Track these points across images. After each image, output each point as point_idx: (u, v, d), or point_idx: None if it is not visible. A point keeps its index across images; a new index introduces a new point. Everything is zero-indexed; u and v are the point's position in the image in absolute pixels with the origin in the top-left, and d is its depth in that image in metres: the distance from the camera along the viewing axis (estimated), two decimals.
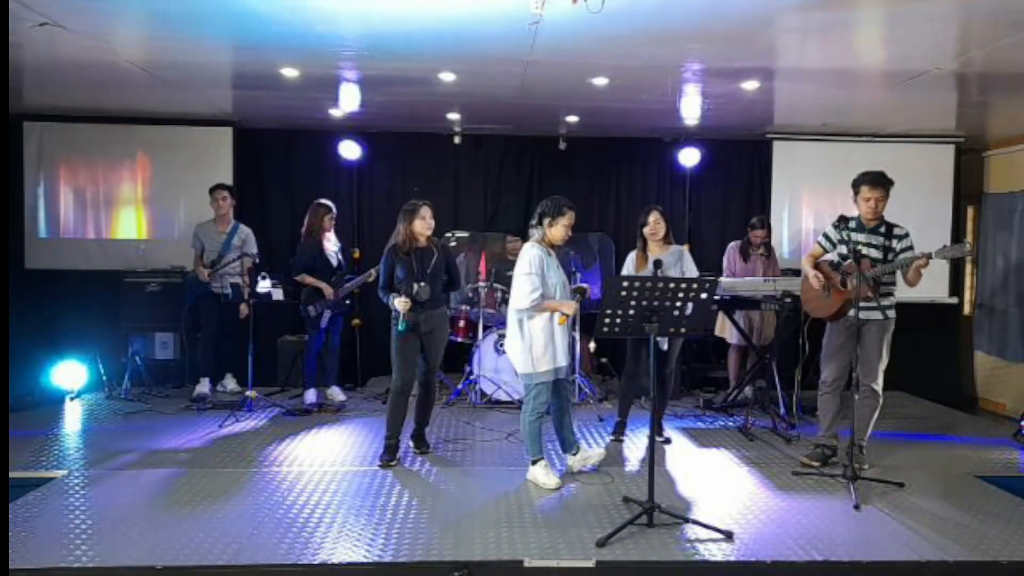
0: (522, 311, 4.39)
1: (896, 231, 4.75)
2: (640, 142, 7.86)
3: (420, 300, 4.87)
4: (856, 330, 4.60)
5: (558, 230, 4.44)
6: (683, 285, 3.94)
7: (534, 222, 4.51)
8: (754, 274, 6.65)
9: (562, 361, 4.45)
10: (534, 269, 4.34)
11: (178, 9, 4.10)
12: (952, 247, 4.43)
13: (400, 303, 4.80)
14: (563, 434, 4.76)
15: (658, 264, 5.20)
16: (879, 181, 4.72)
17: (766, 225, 6.76)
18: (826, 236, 4.95)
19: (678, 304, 3.92)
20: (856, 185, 4.80)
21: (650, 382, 4.15)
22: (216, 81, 5.81)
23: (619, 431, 5.57)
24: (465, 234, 7.60)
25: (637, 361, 5.39)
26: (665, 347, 5.34)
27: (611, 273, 7.15)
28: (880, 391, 4.84)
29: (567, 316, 4.36)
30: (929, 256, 4.46)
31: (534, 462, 4.55)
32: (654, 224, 5.35)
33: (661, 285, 3.89)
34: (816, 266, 4.97)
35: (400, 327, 4.82)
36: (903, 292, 4.81)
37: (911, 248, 4.68)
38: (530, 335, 4.40)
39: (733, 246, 6.92)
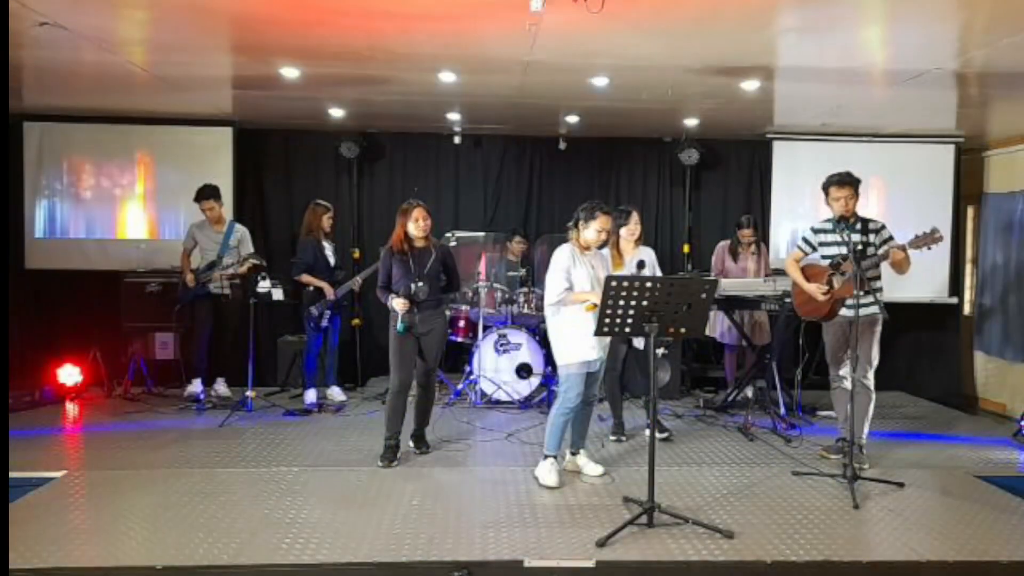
0: (550, 306, 4.51)
1: (871, 225, 4.86)
2: (640, 142, 7.86)
3: (418, 300, 4.88)
4: (849, 326, 4.65)
5: (589, 233, 4.51)
6: (683, 286, 3.94)
7: (570, 224, 4.60)
8: (744, 273, 6.66)
9: (592, 355, 4.48)
10: (559, 267, 4.46)
11: (178, 9, 4.10)
12: (923, 236, 4.49)
13: (398, 303, 4.80)
14: (576, 431, 4.78)
15: (641, 265, 5.23)
16: (845, 181, 4.85)
17: (753, 224, 6.75)
18: (805, 240, 5.09)
19: (678, 304, 3.92)
20: (825, 188, 4.94)
21: (651, 381, 4.15)
22: (216, 81, 5.81)
23: (618, 431, 5.57)
24: (465, 234, 7.59)
25: (615, 360, 5.40)
26: (640, 345, 5.40)
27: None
28: (871, 386, 4.91)
29: (595, 305, 4.37)
30: (903, 247, 4.56)
31: (545, 456, 4.58)
32: (634, 225, 5.38)
33: (661, 285, 3.89)
34: (804, 270, 5.03)
35: (398, 327, 4.83)
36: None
37: (891, 238, 4.79)
38: (560, 327, 4.50)
39: (722, 246, 6.93)
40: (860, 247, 4.75)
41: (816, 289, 4.91)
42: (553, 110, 6.65)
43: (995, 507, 4.30)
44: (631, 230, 5.37)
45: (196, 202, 6.46)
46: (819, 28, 4.25)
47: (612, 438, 5.54)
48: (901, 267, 4.76)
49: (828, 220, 4.97)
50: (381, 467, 4.83)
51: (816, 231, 5.03)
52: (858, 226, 4.86)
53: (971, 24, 4.18)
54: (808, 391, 6.53)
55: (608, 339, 4.57)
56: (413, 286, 4.87)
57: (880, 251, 4.73)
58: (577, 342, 4.44)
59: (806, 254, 5.09)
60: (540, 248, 7.48)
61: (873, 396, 4.94)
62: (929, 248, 4.52)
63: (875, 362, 4.92)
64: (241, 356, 6.18)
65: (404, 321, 4.83)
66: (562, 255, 4.50)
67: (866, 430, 4.98)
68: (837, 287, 4.82)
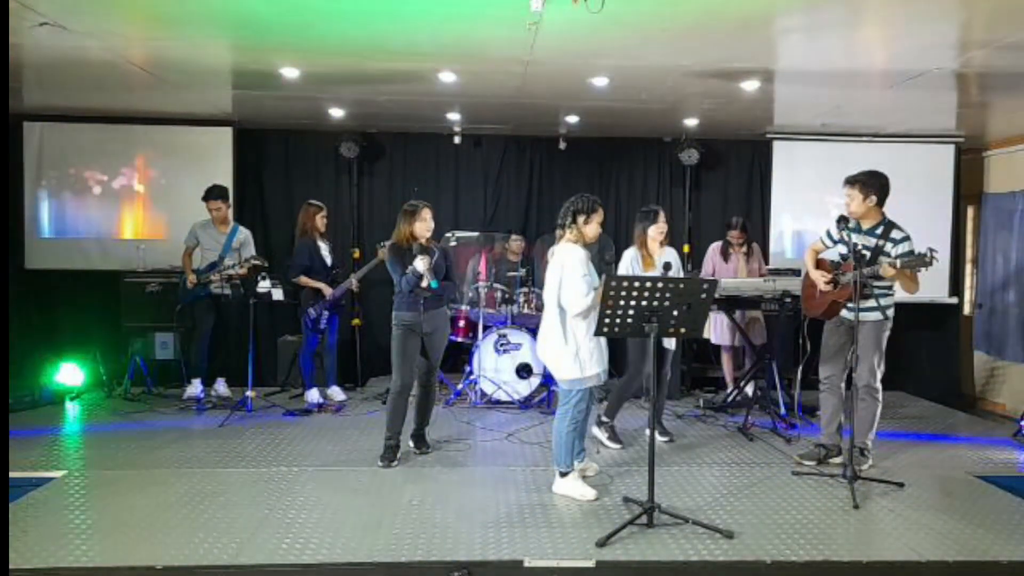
0: (579, 314, 4.19)
1: (894, 233, 4.66)
2: (640, 142, 7.86)
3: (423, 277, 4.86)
4: (849, 329, 4.61)
5: (593, 227, 4.31)
6: (683, 286, 3.94)
7: (568, 221, 4.31)
8: (735, 274, 6.67)
9: (606, 363, 4.36)
10: (581, 271, 4.19)
11: (178, 9, 4.10)
12: (914, 257, 4.42)
13: (420, 261, 4.77)
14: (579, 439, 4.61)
15: (668, 266, 5.19)
16: (848, 180, 4.77)
17: (740, 225, 6.73)
18: (828, 233, 4.95)
19: (678, 305, 3.91)
20: None
21: (651, 381, 4.14)
22: (216, 81, 5.81)
23: (614, 436, 5.40)
24: (465, 234, 7.60)
25: (644, 361, 5.27)
26: (672, 346, 5.37)
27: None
28: (878, 390, 4.81)
29: None
30: (894, 265, 4.47)
31: (563, 474, 4.40)
32: (663, 224, 5.32)
33: (661, 285, 3.88)
34: (819, 263, 4.98)
35: (434, 284, 4.79)
36: (904, 292, 4.79)
37: (910, 252, 4.56)
38: (575, 340, 4.22)
39: (714, 247, 6.94)
40: (866, 251, 4.66)
41: (820, 276, 4.85)
42: (553, 110, 6.65)
43: (995, 507, 4.31)
44: (660, 229, 5.30)
45: (204, 201, 6.47)
46: (819, 29, 4.24)
47: (616, 446, 5.36)
48: (904, 287, 4.61)
49: (855, 220, 4.79)
50: (381, 467, 4.83)
51: (850, 230, 4.75)
52: (879, 230, 4.69)
53: (971, 24, 4.18)
54: (808, 391, 6.53)
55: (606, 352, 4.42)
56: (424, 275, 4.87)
57: (884, 263, 4.56)
58: (596, 352, 4.27)
59: (826, 247, 4.95)
60: (540, 248, 7.48)
61: (879, 399, 4.82)
62: (920, 269, 4.43)
63: (878, 370, 4.79)
64: (241, 356, 6.18)
65: (433, 278, 4.80)
66: (582, 256, 4.24)
67: (871, 435, 4.90)
68: (839, 287, 4.78)
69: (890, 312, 4.79)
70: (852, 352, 4.57)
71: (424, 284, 4.81)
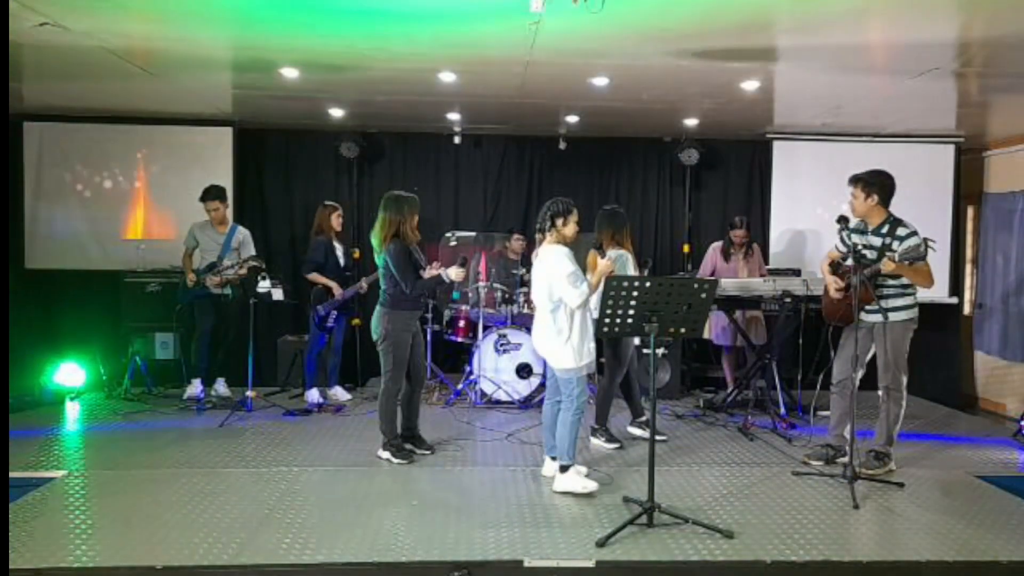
0: (580, 304, 4.37)
1: (900, 230, 4.62)
2: (640, 142, 7.86)
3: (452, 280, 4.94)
4: (866, 332, 4.59)
5: (571, 228, 4.51)
6: (683, 286, 3.95)
7: (547, 225, 4.52)
8: (735, 275, 6.66)
9: (594, 354, 4.52)
10: (571, 266, 4.38)
11: (178, 9, 4.11)
12: (910, 248, 4.43)
13: (455, 272, 4.85)
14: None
15: (646, 263, 5.21)
16: (851, 179, 4.77)
17: (744, 225, 6.73)
18: (841, 238, 4.89)
19: (678, 304, 3.92)
20: None
21: (651, 382, 4.14)
22: (216, 81, 5.81)
23: (611, 438, 5.41)
24: (465, 234, 7.59)
25: (620, 364, 5.37)
26: (637, 342, 5.43)
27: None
28: (894, 391, 4.74)
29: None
30: (893, 260, 4.47)
31: (564, 469, 4.42)
32: None
33: (661, 285, 3.89)
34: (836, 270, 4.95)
35: (456, 295, 4.85)
36: (921, 289, 4.76)
37: (917, 247, 4.53)
38: (569, 330, 4.43)
39: (714, 247, 6.94)
40: (873, 250, 4.63)
41: (832, 281, 4.84)
42: (553, 110, 6.65)
43: (995, 507, 4.31)
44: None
45: (201, 201, 6.45)
46: (819, 29, 4.25)
47: (614, 447, 5.39)
48: (915, 282, 4.61)
49: (862, 220, 4.81)
50: (405, 464, 4.86)
51: (851, 230, 4.78)
52: (884, 229, 4.67)
53: (971, 24, 4.18)
54: (808, 391, 6.53)
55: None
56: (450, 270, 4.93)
57: (883, 261, 4.52)
58: (586, 341, 4.44)
59: (841, 252, 4.90)
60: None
61: (900, 399, 4.76)
62: (920, 261, 4.44)
63: (896, 366, 4.71)
64: (241, 356, 6.18)
65: (458, 290, 4.87)
66: (567, 253, 4.45)
67: (890, 434, 4.83)
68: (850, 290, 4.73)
69: (913, 312, 4.73)
70: (854, 351, 4.57)
71: (454, 294, 4.88)
